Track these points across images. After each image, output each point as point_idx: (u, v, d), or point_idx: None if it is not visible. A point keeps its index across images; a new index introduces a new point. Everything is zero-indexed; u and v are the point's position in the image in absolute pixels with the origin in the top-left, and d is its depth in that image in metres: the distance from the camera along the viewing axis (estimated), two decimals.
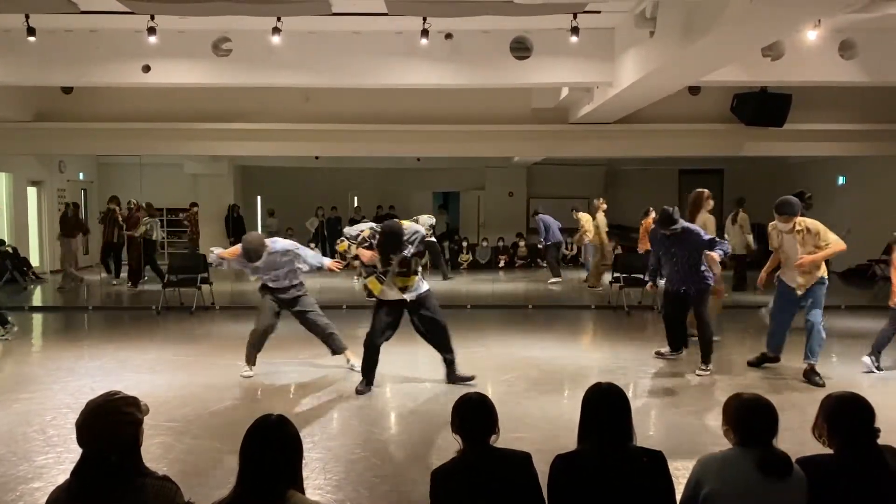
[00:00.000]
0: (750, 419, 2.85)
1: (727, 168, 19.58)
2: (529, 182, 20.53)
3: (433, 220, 7.20)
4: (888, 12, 7.13)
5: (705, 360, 6.89)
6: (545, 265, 18.52)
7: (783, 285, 6.80)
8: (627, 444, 2.85)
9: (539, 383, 6.62)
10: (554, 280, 14.83)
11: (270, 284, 6.78)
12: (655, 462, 2.88)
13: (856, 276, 15.03)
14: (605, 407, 2.87)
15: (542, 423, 5.39)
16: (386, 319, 6.27)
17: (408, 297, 6.27)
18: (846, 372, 6.97)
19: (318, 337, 6.99)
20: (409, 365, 7.16)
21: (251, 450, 2.36)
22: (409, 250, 6.20)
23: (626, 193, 20.55)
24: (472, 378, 6.41)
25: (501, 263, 17.96)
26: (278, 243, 6.76)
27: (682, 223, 6.85)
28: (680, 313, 7.21)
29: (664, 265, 7.15)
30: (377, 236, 6.26)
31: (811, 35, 7.20)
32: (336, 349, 6.96)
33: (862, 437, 2.84)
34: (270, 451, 2.35)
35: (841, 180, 17.09)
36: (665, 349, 7.49)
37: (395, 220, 6.59)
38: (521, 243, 18.72)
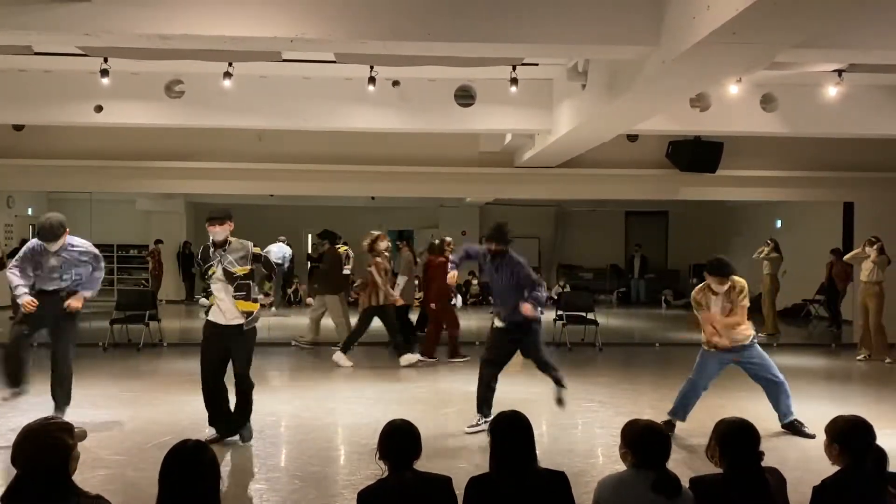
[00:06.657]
0: (647, 443, 3.14)
1: (672, 210, 20.26)
2: (482, 221, 20.89)
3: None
4: (803, 70, 7.72)
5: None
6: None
7: (706, 352, 6.33)
8: (532, 466, 3.12)
9: None
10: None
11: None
12: (558, 481, 3.15)
13: (791, 315, 15.66)
14: (511, 433, 3.12)
15: (480, 454, 5.61)
16: (209, 348, 5.75)
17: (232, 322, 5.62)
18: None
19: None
20: (356, 400, 7.34)
21: (169, 475, 2.48)
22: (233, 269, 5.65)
23: (576, 234, 21.16)
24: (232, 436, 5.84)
25: (457, 301, 17.89)
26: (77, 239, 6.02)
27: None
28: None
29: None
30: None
31: (734, 89, 7.78)
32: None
33: (748, 459, 3.14)
34: (188, 476, 2.47)
35: (778, 223, 17.87)
36: None
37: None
38: (474, 281, 19.03)
